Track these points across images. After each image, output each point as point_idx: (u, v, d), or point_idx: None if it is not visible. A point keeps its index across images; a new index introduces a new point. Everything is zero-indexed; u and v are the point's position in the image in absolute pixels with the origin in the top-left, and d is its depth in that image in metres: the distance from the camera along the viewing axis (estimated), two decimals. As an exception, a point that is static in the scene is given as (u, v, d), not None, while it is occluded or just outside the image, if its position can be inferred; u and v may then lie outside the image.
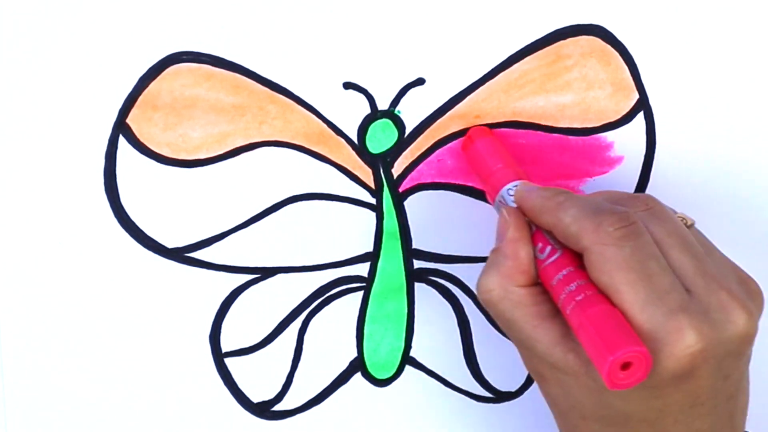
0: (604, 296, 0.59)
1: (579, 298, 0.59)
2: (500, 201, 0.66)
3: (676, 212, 0.63)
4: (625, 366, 0.56)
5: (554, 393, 0.62)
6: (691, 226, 0.63)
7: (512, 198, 0.66)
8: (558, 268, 0.61)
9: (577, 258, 0.61)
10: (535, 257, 0.63)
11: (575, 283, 0.60)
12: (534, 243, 0.63)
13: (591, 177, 0.71)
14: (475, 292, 0.72)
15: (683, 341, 0.58)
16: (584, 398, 0.61)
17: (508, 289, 0.62)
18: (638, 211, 0.61)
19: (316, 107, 0.68)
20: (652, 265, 0.59)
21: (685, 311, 0.58)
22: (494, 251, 0.64)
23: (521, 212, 0.64)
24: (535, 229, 0.63)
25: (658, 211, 0.62)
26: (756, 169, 0.72)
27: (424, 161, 0.70)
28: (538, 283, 0.63)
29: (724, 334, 0.58)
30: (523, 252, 0.63)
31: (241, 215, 0.70)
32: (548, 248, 0.62)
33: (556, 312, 0.61)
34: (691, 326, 0.58)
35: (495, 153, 0.68)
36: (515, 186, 0.66)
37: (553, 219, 0.62)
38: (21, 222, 0.68)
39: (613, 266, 0.59)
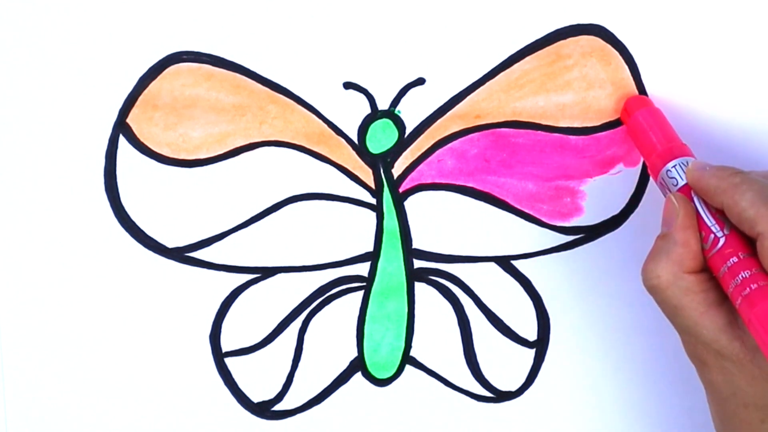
0: None
1: (746, 292, 0.59)
2: (664, 180, 0.66)
3: None
4: None
5: (716, 380, 0.62)
6: None
7: (674, 180, 0.65)
8: (724, 258, 0.61)
9: (742, 243, 0.61)
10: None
11: (741, 274, 0.60)
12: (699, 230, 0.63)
13: (591, 177, 0.71)
14: (475, 291, 0.72)
15: None
16: (747, 386, 0.61)
17: (677, 275, 0.62)
18: None
19: (316, 107, 0.68)
20: None
21: None
22: (662, 237, 0.64)
23: (688, 197, 0.64)
24: (698, 218, 0.63)
25: None
26: (756, 169, 0.72)
27: (425, 161, 0.70)
28: (706, 269, 0.63)
29: None
30: (693, 239, 0.63)
31: (241, 215, 0.70)
32: (711, 237, 0.62)
33: (723, 298, 0.62)
34: None
35: (656, 126, 0.67)
36: (681, 163, 0.65)
37: (728, 200, 0.62)
38: (21, 222, 0.68)
39: None
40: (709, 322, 0.61)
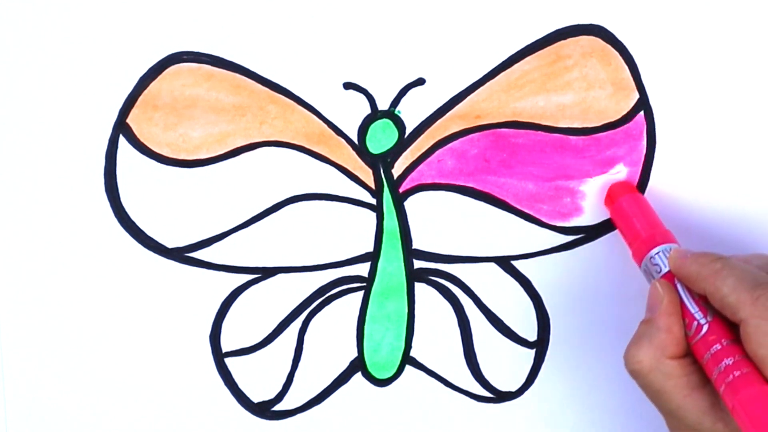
0: (757, 372, 0.60)
1: (729, 379, 0.60)
2: (647, 267, 0.67)
3: None
4: None
5: None
6: None
7: (658, 267, 0.66)
8: (707, 345, 0.62)
9: (725, 329, 0.62)
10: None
11: (724, 362, 0.61)
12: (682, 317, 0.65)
13: (591, 177, 0.71)
14: (475, 292, 0.72)
15: None
16: None
17: (660, 360, 0.63)
18: None
19: (317, 107, 0.68)
20: None
21: None
22: (645, 323, 0.65)
23: (672, 284, 0.65)
24: (682, 305, 0.64)
25: None
26: (756, 169, 0.72)
27: (425, 161, 0.70)
28: (688, 354, 0.64)
29: None
30: (677, 326, 0.64)
31: (241, 215, 0.70)
32: (694, 323, 0.63)
33: (705, 381, 0.63)
34: None
35: (640, 212, 0.69)
36: (664, 250, 0.67)
37: (710, 287, 0.63)
38: (21, 222, 0.68)
39: None
40: (691, 405, 0.62)
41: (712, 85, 0.70)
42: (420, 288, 0.72)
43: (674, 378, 0.63)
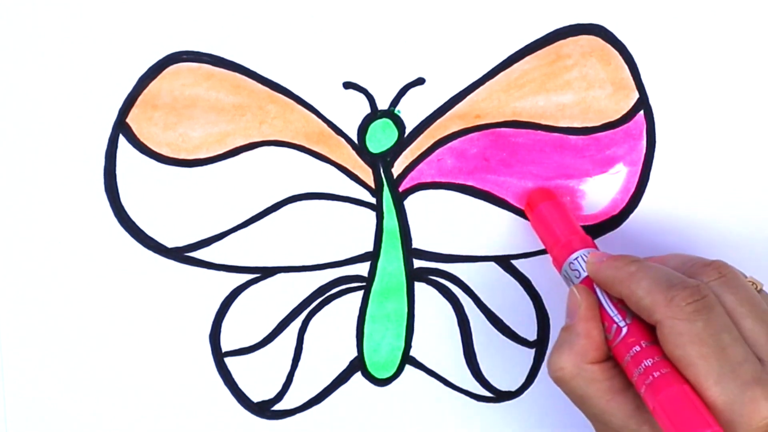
0: (676, 371, 0.60)
1: (649, 380, 0.60)
2: (567, 272, 0.67)
3: (746, 276, 0.64)
4: None
5: None
6: (761, 291, 0.64)
7: (577, 272, 0.66)
8: (627, 347, 0.62)
9: (643, 331, 0.62)
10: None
11: (644, 363, 0.61)
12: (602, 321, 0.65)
13: (591, 177, 0.71)
14: (475, 291, 0.72)
15: (759, 413, 0.58)
16: None
17: (581, 366, 0.63)
18: (710, 280, 0.63)
19: (316, 107, 0.68)
20: (724, 337, 0.60)
21: (759, 382, 0.59)
22: (565, 329, 0.65)
23: (590, 288, 0.65)
24: (601, 308, 0.64)
25: (730, 278, 0.63)
26: (756, 169, 0.72)
27: (424, 161, 0.70)
28: (610, 358, 0.64)
29: None
30: (596, 331, 0.64)
31: (241, 215, 0.70)
32: (614, 327, 0.63)
33: (628, 385, 0.63)
34: (766, 397, 0.59)
35: (559, 219, 0.69)
36: (582, 255, 0.67)
37: (625, 290, 0.63)
38: (21, 222, 0.68)
39: (686, 340, 0.60)
40: (616, 409, 0.63)
41: (712, 85, 0.70)
42: (420, 287, 0.72)
43: (597, 383, 0.63)
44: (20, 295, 0.69)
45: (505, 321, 0.73)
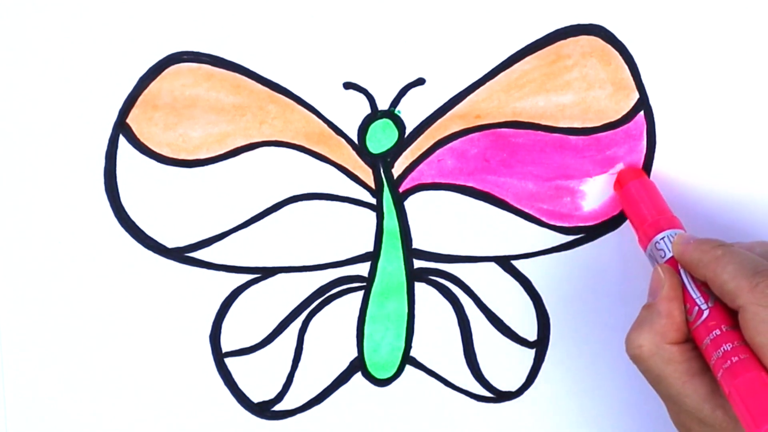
0: (755, 358, 0.60)
1: (727, 365, 0.60)
2: (652, 252, 0.67)
3: None
4: None
5: None
6: None
7: (662, 252, 0.66)
8: (707, 330, 0.62)
9: (725, 315, 0.62)
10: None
11: (723, 347, 0.61)
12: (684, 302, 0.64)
13: (591, 177, 0.71)
14: (475, 291, 0.72)
15: None
16: None
17: (660, 345, 0.63)
18: None
19: (316, 107, 0.68)
20: None
21: None
22: (647, 307, 0.65)
23: (675, 269, 0.65)
24: (684, 289, 0.64)
25: None
26: (756, 169, 0.72)
27: (425, 161, 0.70)
28: (689, 340, 0.64)
29: None
30: (677, 311, 0.64)
31: (241, 215, 0.70)
32: (696, 309, 0.63)
33: (705, 368, 0.63)
34: None
35: (647, 198, 0.69)
36: (669, 236, 0.67)
37: (710, 273, 0.63)
38: (21, 222, 0.68)
39: None
40: (691, 391, 0.63)
41: (712, 85, 0.70)
42: (420, 288, 0.72)
43: (674, 363, 0.63)
44: (20, 295, 0.69)
45: (505, 321, 0.73)
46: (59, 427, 0.71)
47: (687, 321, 0.64)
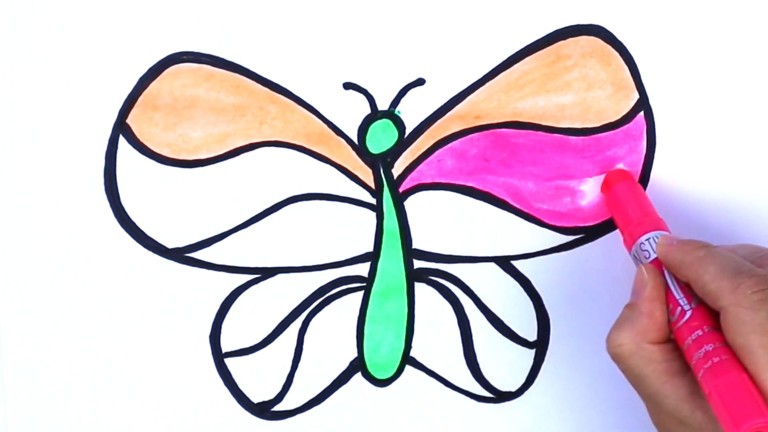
0: (736, 359, 0.60)
1: (708, 365, 0.60)
2: (637, 253, 0.67)
3: None
4: None
5: None
6: None
7: (647, 253, 0.67)
8: (690, 331, 0.62)
9: (707, 316, 0.62)
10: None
11: (705, 348, 0.61)
12: (666, 303, 0.65)
13: (591, 177, 0.71)
14: (475, 292, 0.72)
15: None
16: None
17: (640, 345, 0.63)
18: None
19: (316, 107, 0.68)
20: None
21: None
22: (629, 306, 0.65)
23: (659, 269, 0.65)
24: (667, 290, 0.65)
25: None
26: (756, 169, 0.72)
27: (425, 161, 0.70)
28: (670, 340, 0.64)
29: None
30: (659, 311, 0.64)
31: (241, 215, 0.70)
32: (678, 309, 0.63)
33: (686, 368, 0.63)
34: None
35: (633, 200, 0.69)
36: (653, 237, 0.67)
37: (693, 274, 0.63)
38: (21, 222, 0.68)
39: (749, 329, 0.60)
40: (671, 391, 0.62)
41: (712, 85, 0.70)
42: (420, 288, 0.72)
43: (654, 363, 0.63)
44: (20, 295, 0.69)
45: (505, 321, 0.73)
46: (59, 427, 0.71)
47: (669, 321, 0.64)
